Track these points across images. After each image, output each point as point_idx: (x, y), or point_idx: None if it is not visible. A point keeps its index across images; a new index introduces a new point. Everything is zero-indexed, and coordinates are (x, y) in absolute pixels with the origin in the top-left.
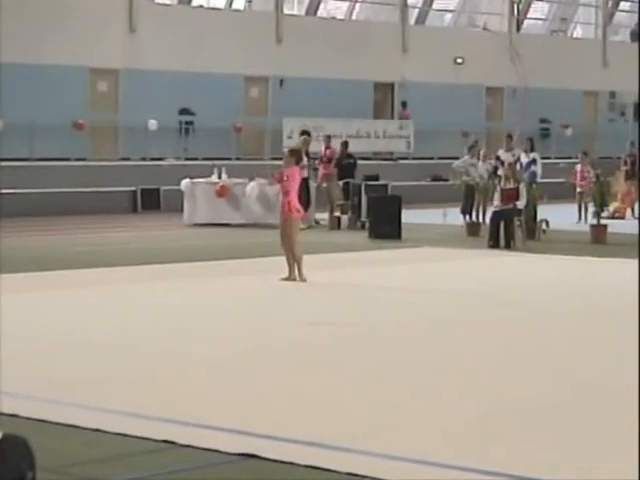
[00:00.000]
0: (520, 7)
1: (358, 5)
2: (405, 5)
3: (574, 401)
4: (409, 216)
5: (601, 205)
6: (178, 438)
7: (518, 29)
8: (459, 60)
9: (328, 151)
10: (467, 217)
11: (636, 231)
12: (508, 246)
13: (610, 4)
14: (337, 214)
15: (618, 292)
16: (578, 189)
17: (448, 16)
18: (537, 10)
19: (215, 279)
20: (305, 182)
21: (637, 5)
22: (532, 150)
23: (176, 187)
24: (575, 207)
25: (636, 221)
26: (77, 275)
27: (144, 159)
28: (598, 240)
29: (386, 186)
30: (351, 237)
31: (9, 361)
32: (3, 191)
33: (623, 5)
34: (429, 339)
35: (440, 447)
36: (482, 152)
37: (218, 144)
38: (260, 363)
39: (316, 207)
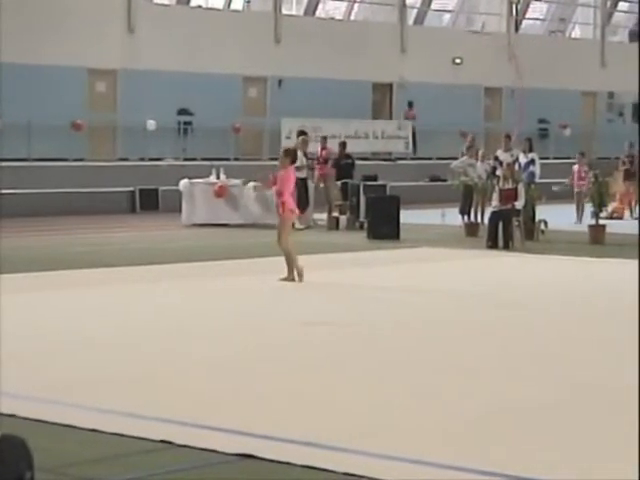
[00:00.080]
0: (519, 7)
1: (356, 5)
2: (403, 5)
3: (574, 401)
4: (407, 216)
5: (600, 205)
6: (175, 438)
7: (517, 29)
8: (457, 60)
9: (324, 152)
10: (466, 217)
11: (634, 231)
12: (507, 246)
13: (609, 4)
14: (335, 214)
15: (617, 292)
16: (576, 189)
17: (446, 16)
18: (536, 10)
19: (214, 279)
20: (304, 183)
21: (636, 5)
22: (530, 150)
23: (174, 187)
24: (573, 207)
25: (635, 221)
26: (77, 275)
27: (142, 159)
28: (596, 240)
29: (384, 186)
30: (349, 237)
31: (9, 361)
32: (2, 191)
33: (622, 5)
34: (428, 339)
35: (440, 447)
36: (480, 152)
37: (216, 144)
38: (259, 363)
39: (314, 207)
